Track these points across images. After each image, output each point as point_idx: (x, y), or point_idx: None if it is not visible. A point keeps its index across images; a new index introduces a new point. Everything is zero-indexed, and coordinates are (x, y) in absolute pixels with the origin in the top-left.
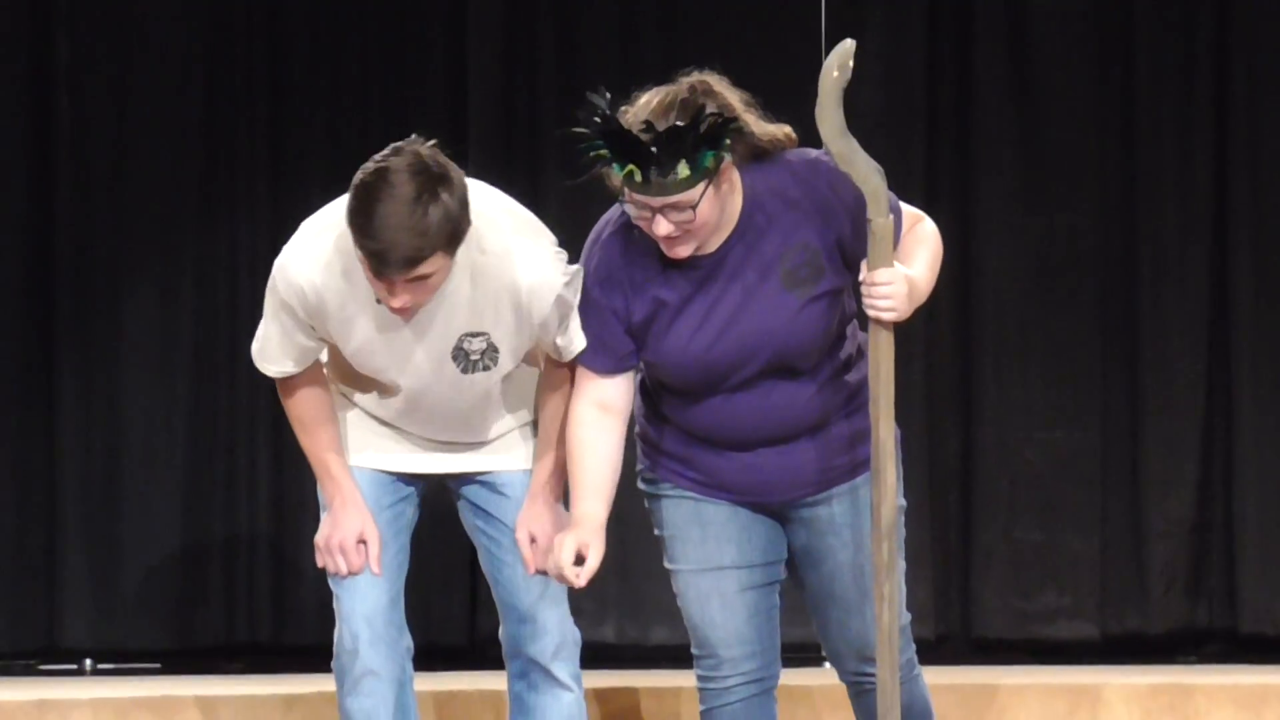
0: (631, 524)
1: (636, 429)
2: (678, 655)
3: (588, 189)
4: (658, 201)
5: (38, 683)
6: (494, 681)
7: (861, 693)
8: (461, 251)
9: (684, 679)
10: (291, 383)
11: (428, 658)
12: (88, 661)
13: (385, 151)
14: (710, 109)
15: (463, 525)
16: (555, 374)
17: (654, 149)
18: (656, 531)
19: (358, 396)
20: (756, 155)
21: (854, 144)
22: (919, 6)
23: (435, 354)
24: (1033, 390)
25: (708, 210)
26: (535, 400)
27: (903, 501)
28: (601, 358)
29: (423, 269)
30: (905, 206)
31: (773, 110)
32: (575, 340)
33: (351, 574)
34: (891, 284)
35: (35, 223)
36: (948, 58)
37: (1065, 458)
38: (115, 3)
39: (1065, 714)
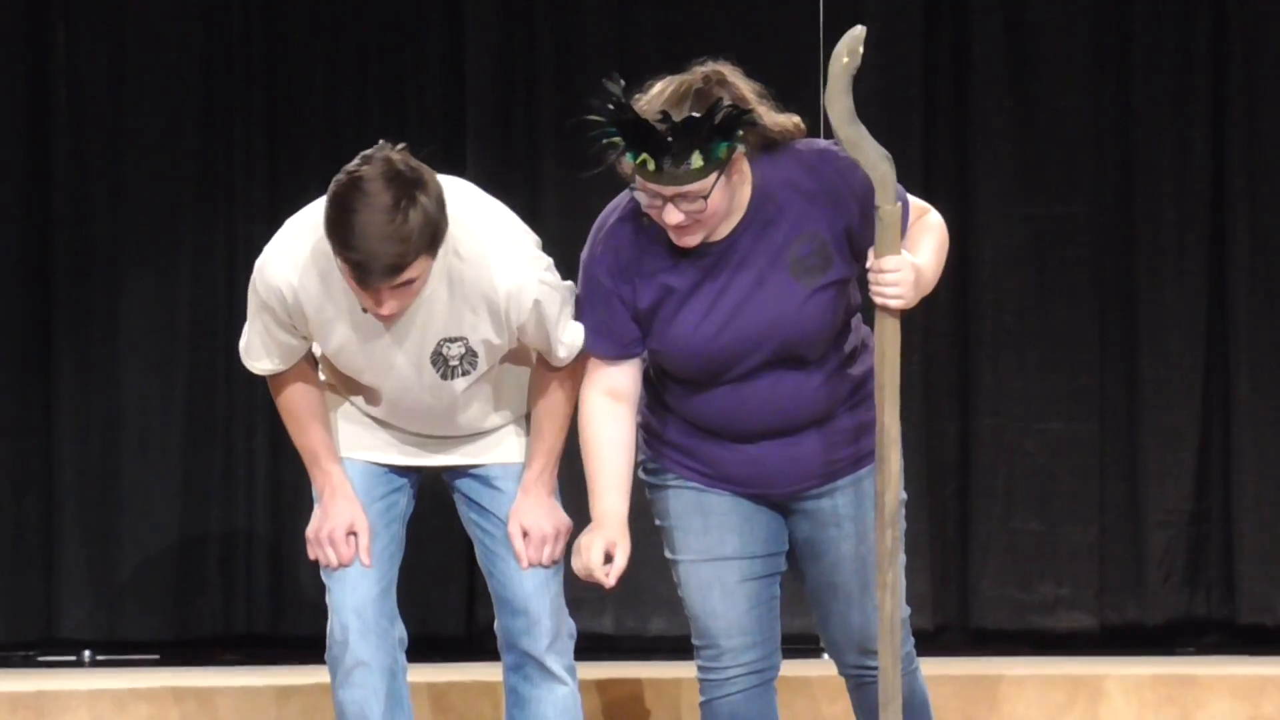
0: (630, 514)
1: (639, 419)
2: (677, 646)
3: (585, 182)
4: (670, 190)
5: (36, 674)
6: (492, 673)
7: (860, 685)
8: (438, 256)
9: (683, 670)
10: (280, 378)
11: (425, 649)
12: (86, 652)
13: (355, 161)
14: (725, 100)
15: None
16: (548, 372)
17: (669, 139)
18: (658, 521)
19: (348, 392)
20: (767, 145)
21: (863, 130)
22: None
23: (414, 359)
24: (1031, 381)
25: (719, 200)
26: (529, 394)
27: (903, 494)
28: (608, 344)
29: (407, 274)
30: (912, 198)
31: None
32: (564, 344)
33: (342, 565)
34: (899, 271)
35: (32, 213)
36: (945, 49)
37: (1063, 448)
38: None
39: (1064, 705)
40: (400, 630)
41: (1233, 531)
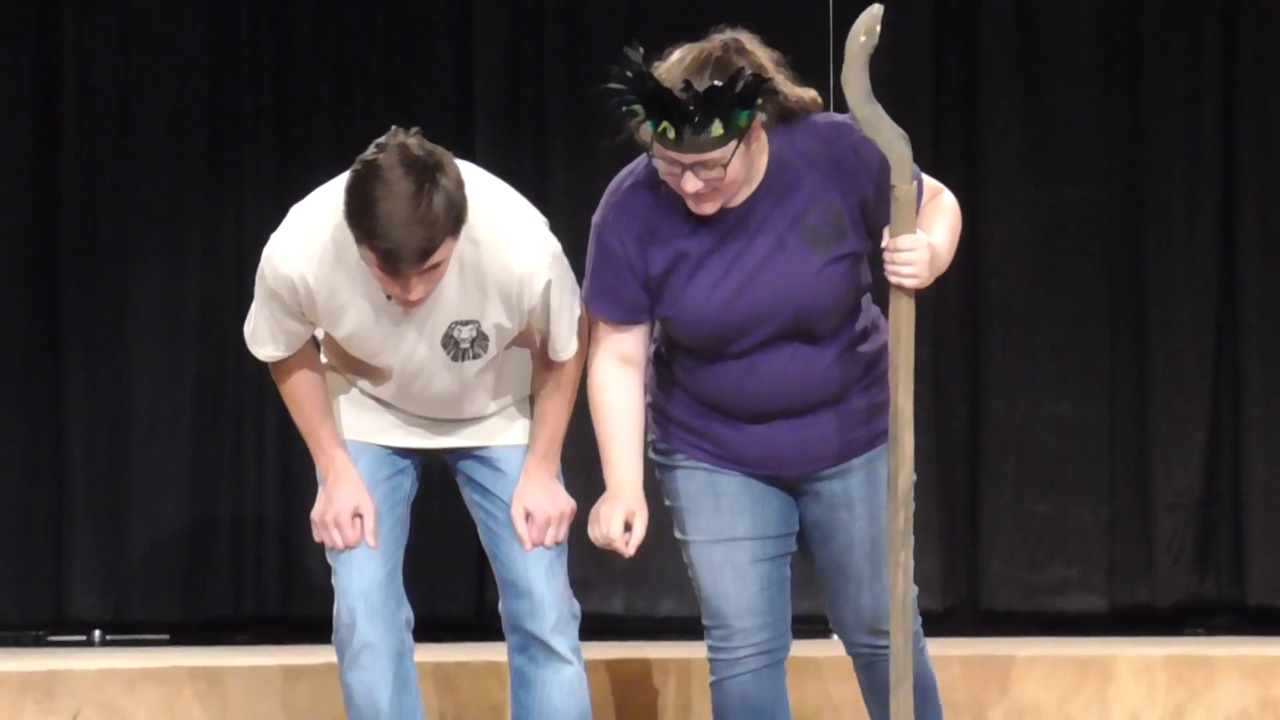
0: None
1: (648, 398)
2: (686, 627)
3: (594, 167)
4: (689, 159)
5: (47, 653)
6: (501, 653)
7: (869, 665)
8: None
9: (693, 650)
10: (284, 364)
11: (434, 630)
12: (96, 633)
13: (371, 149)
14: (746, 69)
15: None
16: (545, 361)
17: (691, 107)
18: (668, 502)
19: (352, 376)
20: (784, 116)
21: (879, 109)
22: None
23: (425, 342)
24: (1040, 363)
25: (738, 168)
26: (533, 376)
27: (913, 475)
28: (614, 308)
29: (435, 258)
30: (926, 178)
31: None
32: (565, 339)
33: (348, 548)
34: (914, 250)
35: (42, 200)
36: (955, 32)
37: (1073, 430)
38: None
39: (1073, 686)
40: (407, 612)
41: (1242, 513)
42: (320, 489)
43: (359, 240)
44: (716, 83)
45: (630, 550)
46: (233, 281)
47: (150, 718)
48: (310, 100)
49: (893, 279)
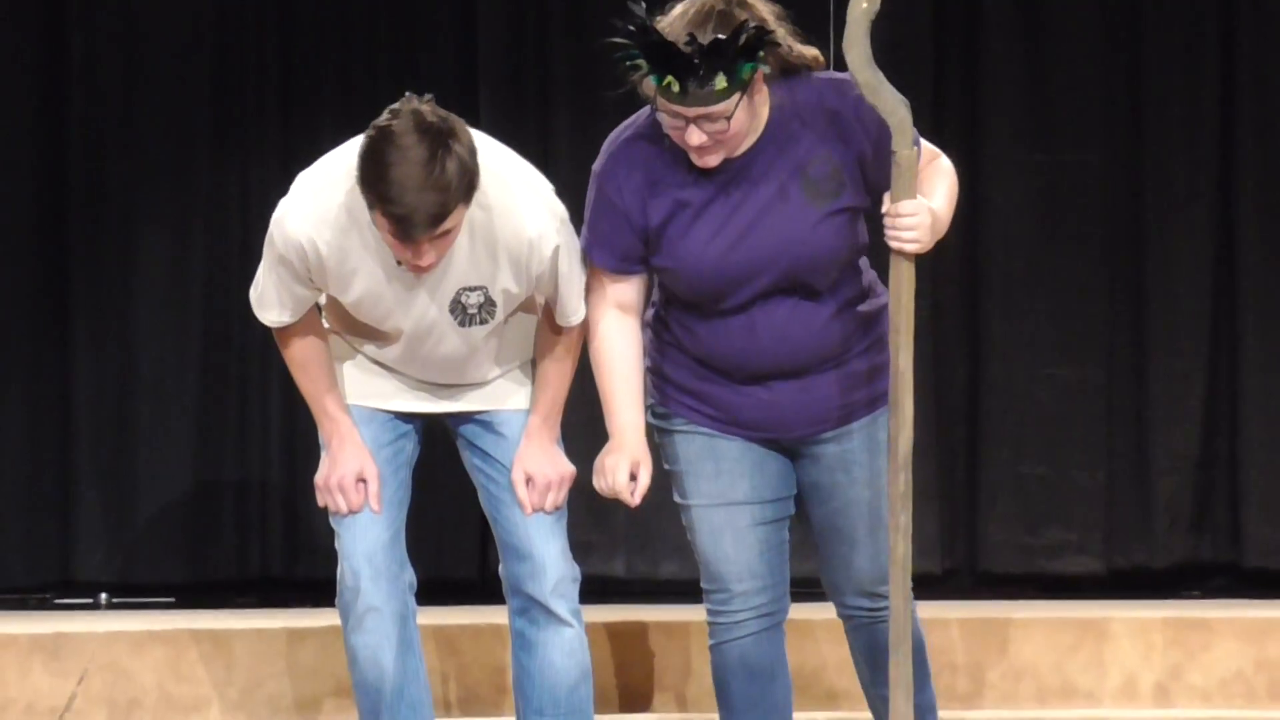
0: None
1: (647, 362)
2: (687, 590)
3: (598, 134)
4: (693, 112)
5: (54, 616)
6: (502, 616)
7: (858, 626)
8: None
9: (693, 613)
10: (288, 329)
11: (438, 592)
12: (103, 595)
13: (384, 115)
14: (749, 21)
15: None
16: (553, 325)
17: (695, 61)
18: (667, 466)
19: (356, 341)
20: (786, 70)
21: (880, 75)
22: None
23: (433, 307)
24: (1039, 327)
25: (741, 120)
26: (535, 341)
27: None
28: (609, 256)
29: (447, 224)
30: (924, 142)
31: None
32: (574, 304)
33: (351, 512)
34: (915, 215)
35: (48, 165)
36: None
37: (1071, 394)
38: None
39: (1071, 647)
40: (410, 575)
41: (1239, 477)
42: (324, 453)
43: (371, 206)
44: (720, 36)
45: (636, 500)
46: (237, 247)
47: (156, 679)
48: (314, 66)
49: (893, 244)
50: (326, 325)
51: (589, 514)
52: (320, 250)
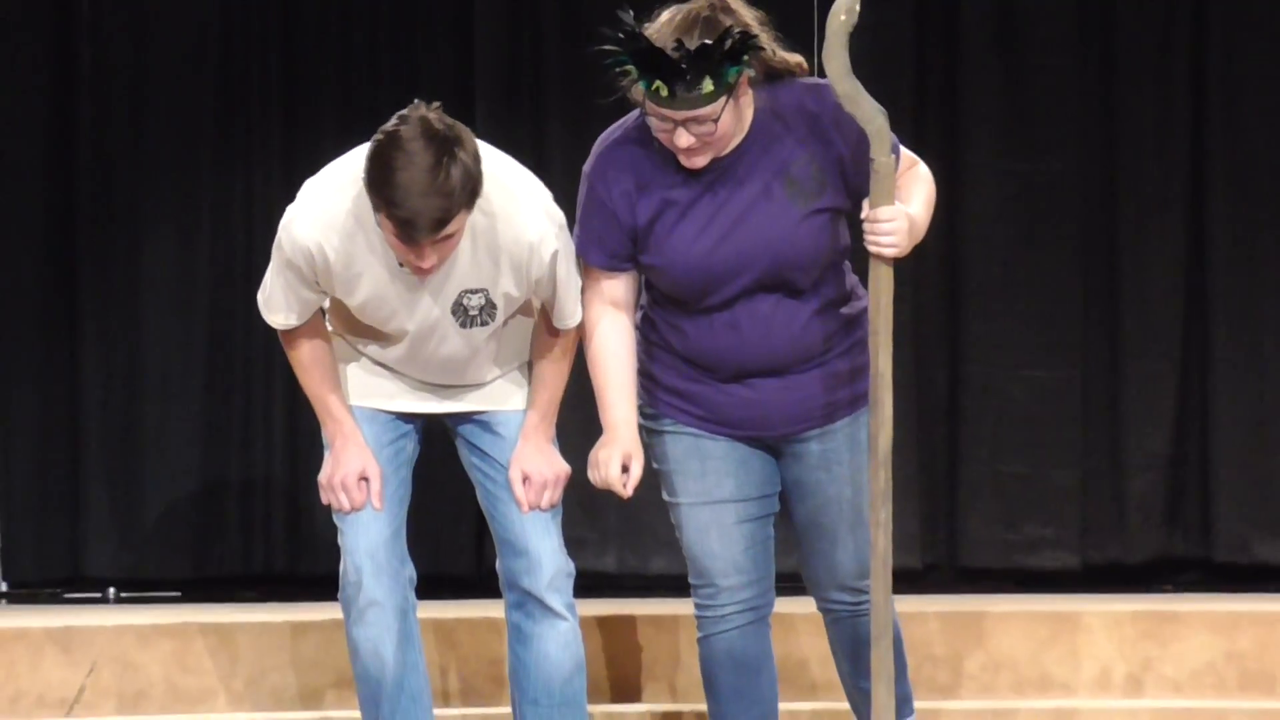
0: None
1: (637, 365)
2: (676, 584)
3: (591, 141)
4: (681, 115)
5: (64, 610)
6: (499, 610)
7: (837, 620)
8: None
9: (683, 607)
10: (294, 333)
11: (436, 587)
12: (111, 590)
13: (393, 121)
14: (734, 27)
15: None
16: (550, 328)
17: (683, 65)
18: (656, 465)
19: (359, 343)
20: (770, 75)
21: (859, 85)
22: None
23: (436, 308)
24: (1017, 330)
25: (728, 122)
26: (531, 344)
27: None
28: (599, 253)
29: (449, 228)
30: (903, 150)
31: None
32: (571, 307)
33: (354, 510)
34: (893, 220)
35: (57, 170)
36: (936, 10)
37: (1048, 394)
38: None
39: (1047, 639)
40: (410, 570)
41: (1209, 475)
42: (327, 453)
43: (377, 208)
44: (706, 41)
45: (628, 492)
46: (241, 250)
47: (163, 671)
48: (315, 76)
49: (872, 249)
50: (330, 329)
51: (581, 511)
52: (327, 254)
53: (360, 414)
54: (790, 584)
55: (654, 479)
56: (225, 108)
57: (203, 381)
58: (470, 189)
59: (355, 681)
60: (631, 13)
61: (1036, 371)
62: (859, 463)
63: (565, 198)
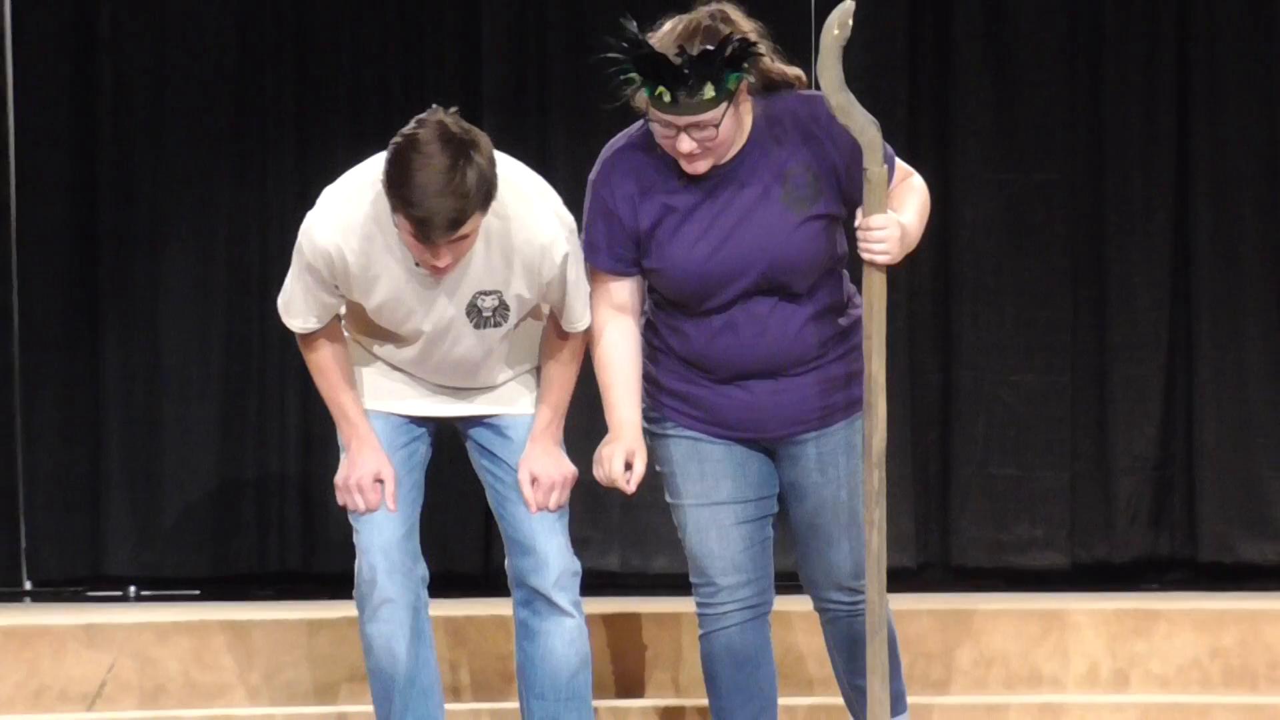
0: None
1: (642, 369)
2: (678, 583)
3: (595, 150)
4: (683, 120)
5: (85, 608)
6: (507, 608)
7: (834, 619)
8: None
9: (684, 605)
10: (313, 337)
11: (445, 585)
12: (131, 588)
13: (411, 125)
14: (734, 35)
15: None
16: (559, 331)
17: (685, 71)
18: (659, 468)
19: (374, 347)
20: (767, 85)
21: (852, 97)
22: None
23: (451, 308)
24: (1007, 336)
25: (728, 127)
26: (540, 348)
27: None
28: (604, 258)
29: (465, 229)
30: (898, 161)
31: None
32: (580, 311)
33: (369, 511)
34: (886, 229)
35: (80, 179)
36: (928, 26)
37: (1037, 399)
38: None
39: (1038, 636)
40: (423, 569)
41: (1194, 476)
42: (343, 455)
43: (395, 208)
44: (708, 48)
45: (631, 488)
46: (256, 257)
47: (181, 667)
48: (328, 89)
49: (865, 256)
50: (347, 334)
51: (586, 511)
52: (346, 257)
53: (375, 417)
54: (788, 582)
55: (656, 481)
56: (241, 122)
57: (219, 385)
58: (485, 191)
59: (369, 676)
60: (635, 22)
61: (1026, 376)
62: (854, 466)
63: (570, 205)
